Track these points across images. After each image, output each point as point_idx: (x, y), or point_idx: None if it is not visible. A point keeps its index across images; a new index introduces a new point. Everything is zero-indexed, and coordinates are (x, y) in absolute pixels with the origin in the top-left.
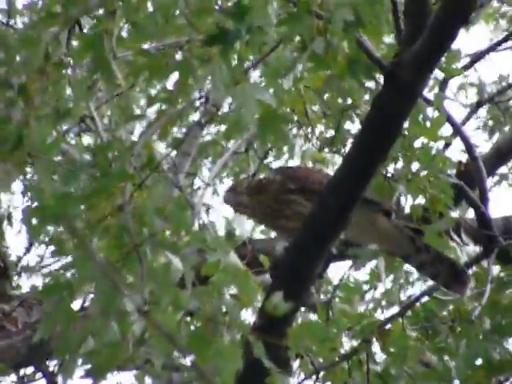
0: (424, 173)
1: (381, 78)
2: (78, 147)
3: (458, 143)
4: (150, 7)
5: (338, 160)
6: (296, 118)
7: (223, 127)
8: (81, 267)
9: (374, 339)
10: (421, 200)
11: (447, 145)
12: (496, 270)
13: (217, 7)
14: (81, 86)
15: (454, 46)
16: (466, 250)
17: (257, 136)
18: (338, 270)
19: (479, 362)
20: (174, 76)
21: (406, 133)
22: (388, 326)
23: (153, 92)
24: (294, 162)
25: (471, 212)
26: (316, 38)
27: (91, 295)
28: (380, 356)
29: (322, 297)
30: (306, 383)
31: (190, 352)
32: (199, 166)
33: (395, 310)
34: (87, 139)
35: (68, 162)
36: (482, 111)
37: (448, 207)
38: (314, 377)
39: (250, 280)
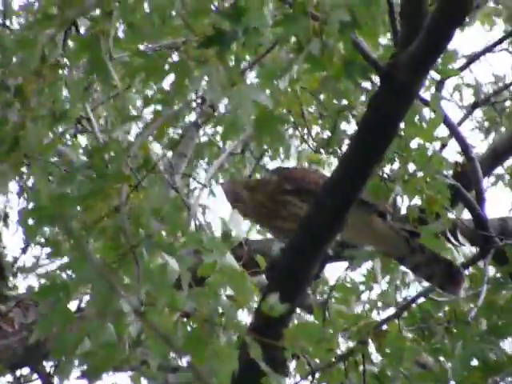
0: (420, 174)
1: (377, 79)
2: (74, 148)
3: (454, 144)
4: (146, 8)
5: (335, 161)
6: (292, 119)
7: (219, 128)
8: (77, 268)
9: (370, 340)
10: (417, 201)
11: (443, 145)
12: (492, 270)
13: (213, 8)
14: (77, 87)
15: (450, 46)
16: (462, 251)
17: (253, 137)
18: (334, 271)
19: (475, 362)
20: (171, 77)
21: (403, 133)
22: (384, 327)
23: (149, 93)
24: (290, 163)
25: (467, 213)
26: (312, 39)
27: (87, 296)
28: (376, 357)
29: (318, 297)
30: None
31: (186, 353)
32: (195, 166)
33: (391, 311)
34: (83, 140)
35: (64, 163)
36: (478, 112)
37: (445, 208)
38: (310, 377)
39: (246, 281)
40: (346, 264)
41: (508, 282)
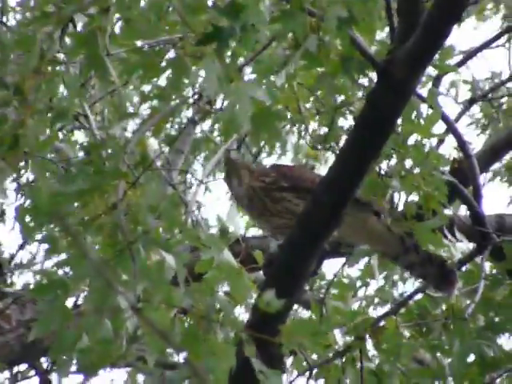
0: (417, 170)
1: (374, 75)
2: (71, 144)
3: (450, 140)
4: (142, 4)
5: (332, 157)
6: (289, 115)
7: (216, 124)
8: (75, 265)
9: (368, 336)
10: (414, 197)
11: (440, 142)
12: (489, 266)
13: (210, 4)
14: (75, 83)
15: (447, 42)
16: (459, 247)
17: (250, 133)
18: (331, 267)
19: (473, 358)
20: (167, 73)
21: (400, 130)
22: (381, 324)
23: (146, 89)
24: (287, 159)
25: (464, 209)
26: (309, 35)
27: (84, 293)
28: (373, 353)
29: (315, 294)
30: (299, 380)
31: (183, 349)
32: (192, 163)
33: (388, 307)
34: (80, 136)
35: (62, 159)
36: (475, 108)
37: (442, 204)
38: (307, 374)
39: (243, 277)
40: (343, 260)
41: (505, 279)
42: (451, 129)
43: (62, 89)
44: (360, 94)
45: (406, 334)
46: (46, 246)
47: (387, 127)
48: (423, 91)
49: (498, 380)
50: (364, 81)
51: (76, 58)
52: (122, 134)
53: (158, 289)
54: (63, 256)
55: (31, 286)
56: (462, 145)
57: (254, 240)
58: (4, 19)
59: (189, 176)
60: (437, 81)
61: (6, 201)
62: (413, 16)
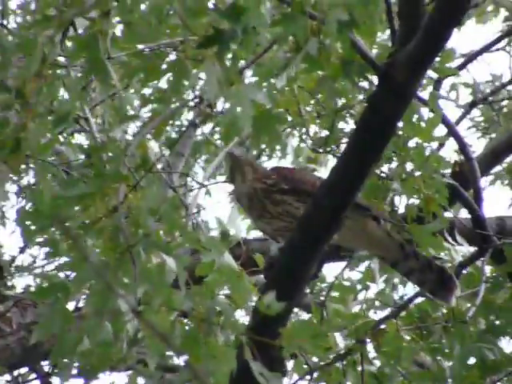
0: (418, 173)
1: (374, 79)
2: (71, 147)
3: (451, 143)
4: (143, 8)
5: (332, 160)
6: (290, 118)
7: (218, 127)
8: (76, 268)
9: (369, 339)
10: (415, 200)
11: (441, 145)
12: (490, 269)
13: (211, 7)
14: (76, 87)
15: (448, 45)
16: (459, 250)
17: (251, 136)
18: (331, 270)
19: (473, 361)
20: (168, 76)
21: (401, 132)
22: (382, 327)
23: (146, 92)
24: (287, 162)
25: (465, 212)
26: (310, 38)
27: (84, 296)
28: (374, 356)
29: (316, 297)
30: (300, 383)
31: (183, 352)
32: (193, 166)
33: (389, 310)
34: (80, 138)
35: (62, 162)
36: (475, 111)
37: (443, 207)
38: (308, 377)
39: (244, 280)
40: (343, 263)
41: (506, 282)
42: (452, 132)
43: (62, 92)
44: (361, 97)
45: (407, 337)
46: (46, 249)
47: (388, 130)
48: (424, 94)
49: (498, 383)
50: (364, 84)
51: (77, 62)
52: (123, 137)
53: (159, 292)
54: (64, 259)
55: (32, 289)
56: (463, 148)
57: (254, 243)
58: (4, 22)
59: (189, 179)
60: (437, 84)
61: (6, 203)
62: (414, 19)
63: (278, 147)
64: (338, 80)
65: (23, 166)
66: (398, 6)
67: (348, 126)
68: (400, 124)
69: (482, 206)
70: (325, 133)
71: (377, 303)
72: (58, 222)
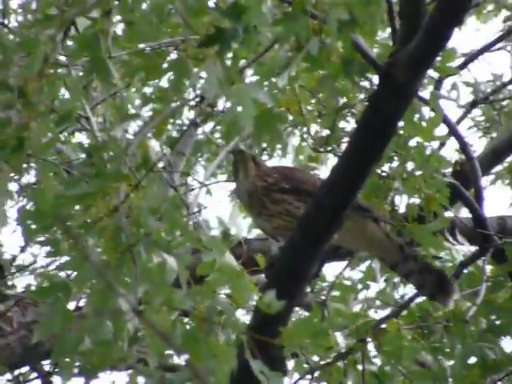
0: (419, 172)
1: (375, 78)
2: (72, 146)
3: (452, 142)
4: (144, 6)
5: (333, 159)
6: (291, 118)
7: (219, 126)
8: (77, 268)
9: (369, 339)
10: (416, 199)
11: (442, 144)
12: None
13: (213, 5)
14: (77, 86)
15: (449, 45)
16: (460, 250)
17: (252, 135)
18: (332, 269)
19: (474, 361)
20: (169, 75)
21: (402, 132)
22: (383, 326)
23: (147, 91)
24: (288, 161)
25: (466, 211)
26: (311, 37)
27: (85, 295)
28: (375, 355)
29: (316, 296)
30: (300, 383)
31: (184, 351)
32: (194, 165)
33: (390, 309)
34: (81, 137)
35: (63, 161)
36: (476, 111)
37: (444, 207)
38: (309, 376)
39: (244, 280)
40: (344, 262)
41: (507, 281)
42: (453, 131)
43: (63, 91)
44: (361, 96)
45: (408, 336)
46: (47, 248)
47: (389, 129)
48: (425, 94)
49: (499, 382)
50: (365, 83)
51: (78, 61)
52: (124, 136)
53: (159, 291)
54: (65, 258)
55: (33, 289)
56: (464, 147)
57: (255, 242)
58: (5, 21)
59: (190, 178)
60: (438, 83)
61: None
62: (415, 19)
63: (278, 146)
64: (338, 79)
65: (24, 165)
66: (399, 5)
67: (349, 125)
68: (401, 123)
69: (482, 205)
70: (326, 132)
71: (378, 302)
72: (60, 221)
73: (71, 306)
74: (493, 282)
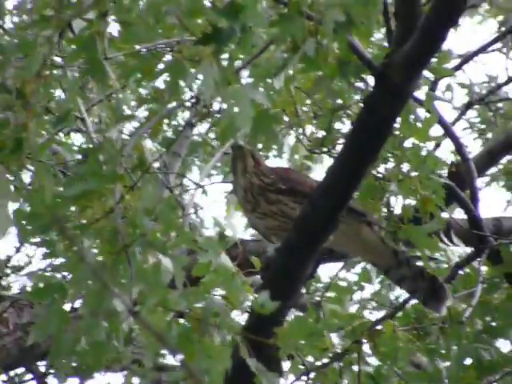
0: (415, 173)
1: (370, 79)
2: (67, 147)
3: (447, 144)
4: (141, 6)
5: (329, 160)
6: (287, 119)
7: (214, 127)
8: (73, 269)
9: (365, 340)
10: (412, 201)
11: (437, 145)
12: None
13: (209, 5)
14: (73, 87)
15: (445, 46)
16: (456, 251)
17: (248, 136)
18: (327, 270)
19: (470, 362)
20: (165, 76)
21: (397, 133)
22: (379, 327)
23: (143, 92)
24: (283, 161)
25: (461, 212)
26: (307, 38)
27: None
28: (371, 356)
29: (311, 296)
30: None
31: (178, 351)
32: (189, 165)
33: (385, 310)
34: (76, 137)
35: (59, 162)
36: (471, 112)
37: (439, 208)
38: (304, 377)
39: (239, 281)
40: (339, 264)
41: (502, 282)
42: (448, 132)
43: (58, 92)
44: (357, 97)
45: (403, 337)
46: (43, 249)
47: (385, 130)
48: (419, 94)
49: None
50: (361, 84)
51: (75, 62)
52: (119, 137)
53: (154, 291)
54: (61, 260)
55: (28, 289)
56: (460, 148)
57: (251, 243)
58: (1, 22)
59: (185, 179)
60: (434, 84)
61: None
62: (410, 19)
63: (274, 146)
64: (334, 80)
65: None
66: (394, 6)
67: (345, 126)
68: (396, 124)
69: (478, 206)
70: (321, 133)
71: (373, 304)
72: (56, 223)
73: (67, 307)
74: (488, 283)
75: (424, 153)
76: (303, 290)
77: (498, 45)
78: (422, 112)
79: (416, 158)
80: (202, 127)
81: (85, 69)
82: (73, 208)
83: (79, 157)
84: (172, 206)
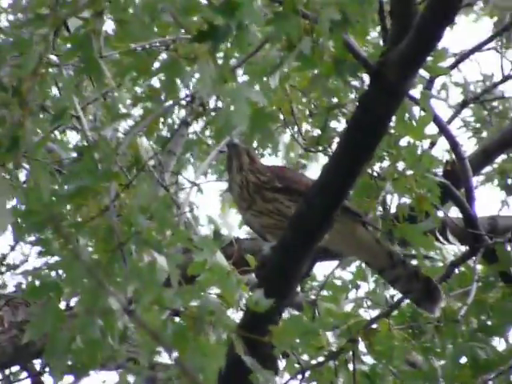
0: (410, 172)
1: (366, 78)
2: (63, 145)
3: (442, 142)
4: (137, 2)
5: (324, 159)
6: (282, 117)
7: (210, 125)
8: (68, 268)
9: (360, 339)
10: (407, 199)
11: (433, 144)
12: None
13: (205, 2)
14: (69, 85)
15: (440, 44)
16: (451, 250)
17: (244, 135)
18: (322, 269)
19: (465, 361)
20: (160, 74)
21: (392, 131)
22: (374, 326)
23: (138, 90)
24: (278, 159)
25: (456, 211)
26: (303, 37)
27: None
28: (366, 355)
29: (306, 295)
30: (291, 383)
31: (174, 349)
32: (184, 164)
33: (380, 309)
34: (72, 135)
35: (54, 160)
36: (466, 111)
37: (435, 206)
38: (300, 376)
39: (233, 279)
40: (334, 262)
41: (498, 281)
42: (444, 131)
43: (54, 90)
44: (353, 96)
45: (399, 336)
46: (38, 247)
47: (380, 129)
48: (415, 93)
49: (490, 382)
50: (356, 83)
51: (70, 61)
52: (114, 135)
53: (149, 290)
54: (56, 258)
55: (24, 288)
56: (455, 147)
57: (246, 242)
58: None
59: (181, 177)
60: (429, 83)
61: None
62: (406, 18)
63: (269, 144)
64: (330, 79)
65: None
66: (390, 4)
67: (340, 124)
68: (392, 123)
69: (473, 205)
70: (317, 131)
71: (368, 302)
72: (51, 221)
73: (62, 305)
74: (484, 281)
75: (419, 151)
76: (298, 289)
77: (494, 43)
78: (417, 110)
79: (411, 157)
80: (197, 125)
81: (80, 67)
82: (68, 206)
83: (74, 155)
84: (167, 205)
